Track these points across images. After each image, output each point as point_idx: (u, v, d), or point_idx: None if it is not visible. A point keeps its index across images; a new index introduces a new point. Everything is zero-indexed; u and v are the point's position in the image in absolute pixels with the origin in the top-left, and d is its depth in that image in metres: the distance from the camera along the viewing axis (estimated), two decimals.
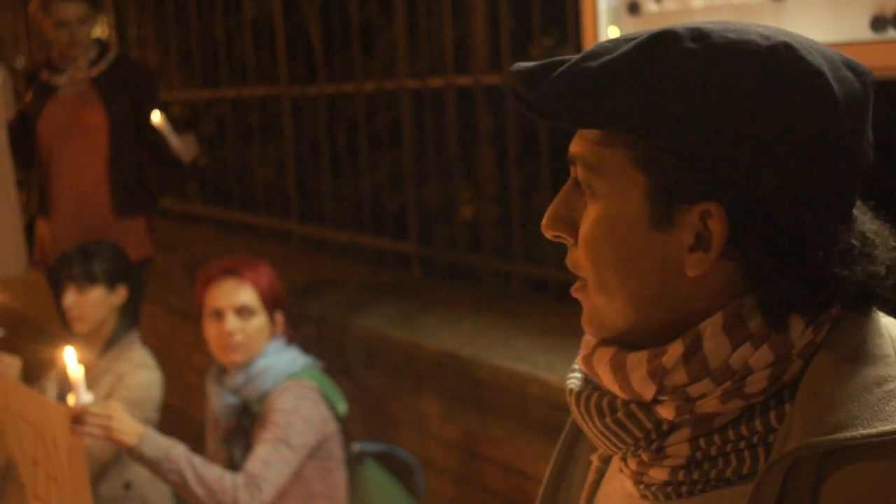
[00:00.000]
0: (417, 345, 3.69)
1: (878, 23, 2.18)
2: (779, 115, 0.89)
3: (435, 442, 3.63)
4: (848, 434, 0.85)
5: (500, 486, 3.33)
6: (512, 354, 3.32)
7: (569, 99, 0.93)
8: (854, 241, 0.92)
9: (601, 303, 0.97)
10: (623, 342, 0.98)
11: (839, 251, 0.91)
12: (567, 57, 0.96)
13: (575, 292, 1.00)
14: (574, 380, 1.04)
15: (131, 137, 4.15)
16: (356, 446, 3.01)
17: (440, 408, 3.58)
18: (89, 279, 3.26)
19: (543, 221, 1.00)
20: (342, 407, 2.91)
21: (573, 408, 1.02)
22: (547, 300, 3.83)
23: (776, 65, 0.90)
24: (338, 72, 4.97)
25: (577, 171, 0.97)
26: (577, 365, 1.04)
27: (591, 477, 1.12)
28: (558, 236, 0.99)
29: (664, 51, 0.91)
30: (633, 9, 2.75)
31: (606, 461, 1.11)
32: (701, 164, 0.90)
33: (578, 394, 1.01)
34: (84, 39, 4.13)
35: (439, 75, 4.26)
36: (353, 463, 2.99)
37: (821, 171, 0.91)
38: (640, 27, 2.74)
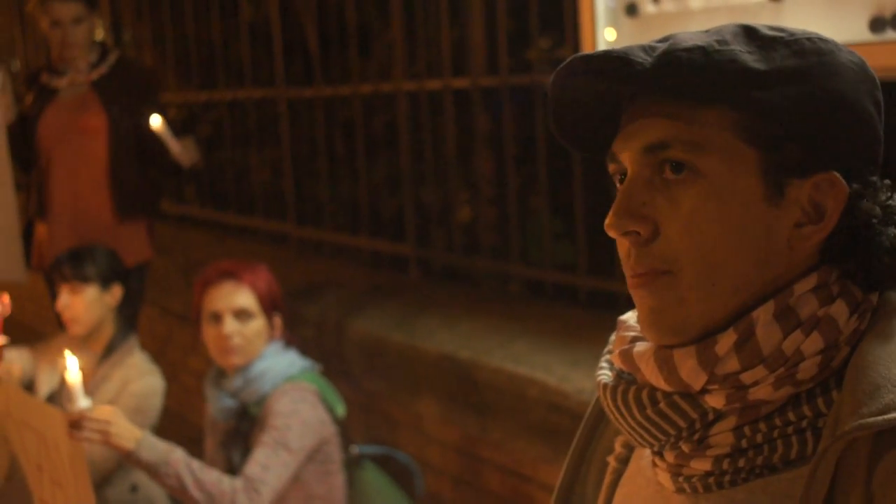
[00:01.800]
0: (415, 347, 3.69)
1: (877, 24, 2.18)
2: (863, 88, 0.96)
3: (433, 444, 3.62)
4: None
5: (499, 488, 3.33)
6: (510, 356, 3.31)
7: (690, 70, 0.93)
8: None
9: (697, 293, 0.95)
10: (696, 339, 0.96)
11: None
12: (656, 42, 0.98)
13: (642, 287, 0.97)
14: (605, 375, 1.04)
15: (132, 141, 4.13)
16: (355, 449, 3.01)
17: (438, 410, 3.57)
18: (82, 279, 3.25)
19: (610, 221, 0.97)
20: (340, 410, 2.91)
21: (608, 402, 1.01)
22: (545, 301, 3.83)
23: (846, 50, 0.98)
24: (335, 74, 4.96)
25: (670, 155, 0.95)
26: (607, 360, 1.04)
27: (608, 478, 1.12)
28: (630, 232, 0.97)
29: (754, 33, 0.96)
30: (631, 10, 2.75)
31: (624, 462, 1.11)
32: (813, 135, 0.94)
33: (614, 388, 1.01)
34: (79, 40, 4.11)
35: (436, 77, 4.26)
36: (352, 466, 2.98)
37: (880, 143, 0.98)
38: (638, 29, 2.74)
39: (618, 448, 1.13)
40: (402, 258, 4.60)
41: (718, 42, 0.94)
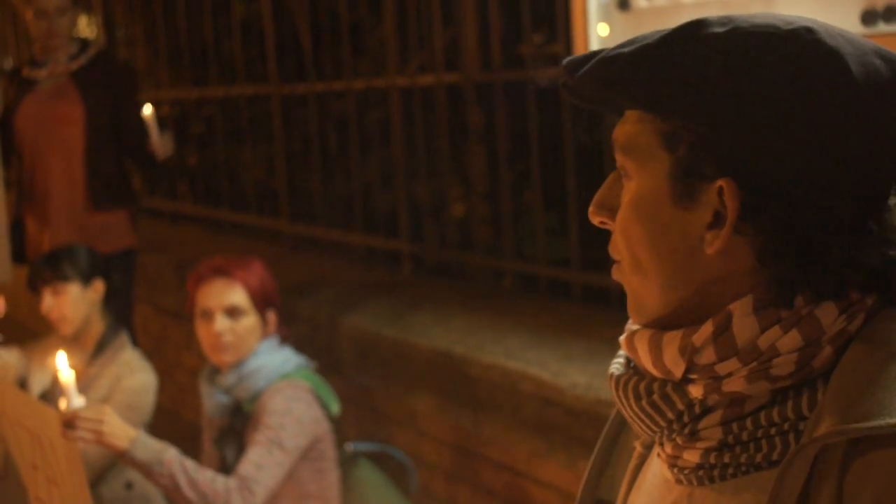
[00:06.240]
0: (409, 343, 3.69)
1: (869, 16, 2.18)
2: (793, 94, 0.90)
3: (428, 440, 3.62)
4: (876, 423, 0.85)
5: (494, 483, 3.33)
6: (504, 351, 3.31)
7: (599, 81, 0.98)
8: (874, 226, 0.92)
9: (637, 282, 1.00)
10: (662, 326, 1.00)
11: (861, 235, 0.92)
12: (612, 47, 1.00)
13: (613, 274, 1.04)
14: (617, 365, 1.06)
15: (109, 132, 4.14)
16: (349, 446, 3.01)
17: (432, 406, 3.57)
18: (62, 278, 3.25)
19: (590, 208, 1.04)
20: (335, 407, 2.90)
21: (613, 392, 1.04)
22: (538, 297, 3.83)
23: (793, 46, 0.92)
24: (327, 70, 4.95)
25: (615, 155, 1.01)
26: (622, 349, 1.07)
27: (633, 462, 1.14)
28: (603, 222, 1.03)
29: (691, 34, 0.94)
30: (623, 5, 2.75)
31: (649, 447, 1.13)
32: (717, 140, 0.93)
33: (619, 378, 1.03)
34: (63, 31, 4.12)
35: (429, 73, 4.25)
36: (347, 463, 2.98)
37: (838, 153, 0.91)
38: (630, 23, 2.73)
39: None
40: (395, 254, 4.60)
41: (635, 50, 0.95)
